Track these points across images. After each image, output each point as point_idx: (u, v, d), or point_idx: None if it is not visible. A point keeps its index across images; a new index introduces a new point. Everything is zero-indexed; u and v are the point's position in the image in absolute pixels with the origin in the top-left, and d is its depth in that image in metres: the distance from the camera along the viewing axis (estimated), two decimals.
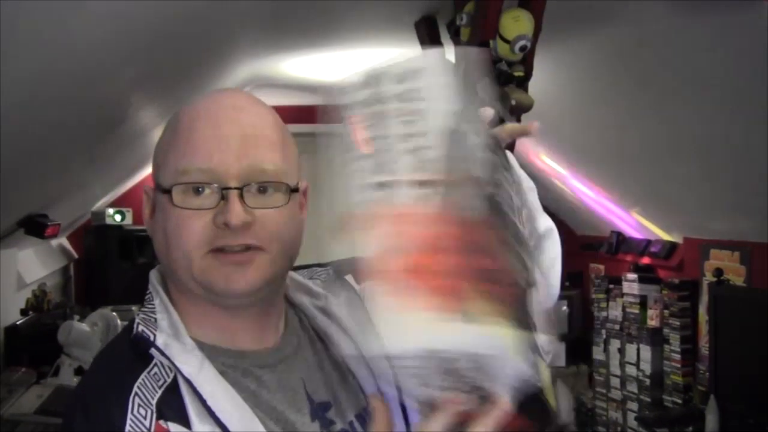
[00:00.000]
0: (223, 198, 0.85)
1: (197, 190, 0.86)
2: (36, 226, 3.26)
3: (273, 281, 0.89)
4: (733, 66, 2.43)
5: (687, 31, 2.41)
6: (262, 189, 0.87)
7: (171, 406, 0.82)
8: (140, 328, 0.86)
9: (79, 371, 3.18)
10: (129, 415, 0.80)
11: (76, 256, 4.79)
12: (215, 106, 0.89)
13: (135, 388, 0.82)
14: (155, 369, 0.85)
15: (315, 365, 0.96)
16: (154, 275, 0.95)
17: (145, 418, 0.80)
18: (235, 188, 0.85)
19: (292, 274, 1.04)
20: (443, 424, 0.72)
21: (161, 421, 0.81)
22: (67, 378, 3.17)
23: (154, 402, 0.82)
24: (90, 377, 0.90)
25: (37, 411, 2.86)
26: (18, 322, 3.52)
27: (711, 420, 3.11)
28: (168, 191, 0.87)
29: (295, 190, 0.91)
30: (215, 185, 0.85)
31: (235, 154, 0.86)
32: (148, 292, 0.93)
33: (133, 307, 3.25)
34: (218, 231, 0.85)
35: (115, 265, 4.58)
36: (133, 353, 0.86)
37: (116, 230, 4.63)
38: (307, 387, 0.93)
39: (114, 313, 3.50)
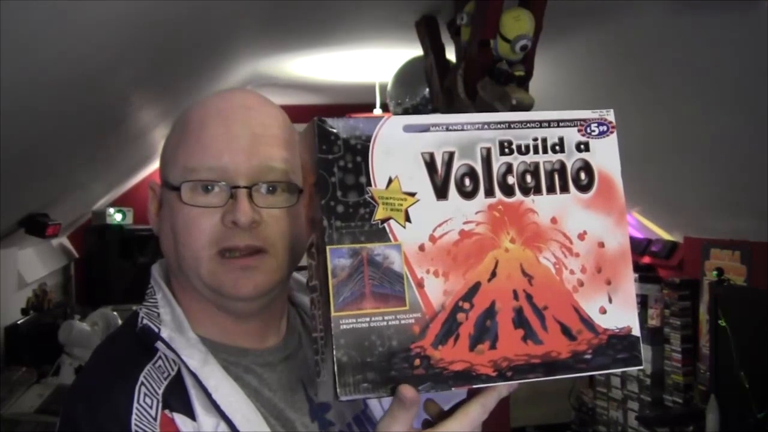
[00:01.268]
0: (232, 197, 0.85)
1: (206, 188, 0.86)
2: (37, 226, 3.26)
3: (279, 284, 0.89)
4: (733, 66, 2.43)
5: (687, 30, 2.41)
6: (272, 189, 0.87)
7: (176, 397, 0.82)
8: (145, 321, 0.87)
9: (79, 370, 3.19)
10: (135, 404, 0.80)
11: (76, 255, 4.79)
12: (226, 104, 0.89)
13: (141, 378, 0.82)
14: (159, 362, 0.85)
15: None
16: (156, 270, 0.95)
17: (151, 407, 0.81)
18: (244, 187, 0.85)
19: (294, 274, 1.04)
20: (407, 423, 0.72)
21: (167, 411, 0.81)
22: (68, 377, 3.18)
23: (160, 392, 0.82)
24: (91, 369, 0.89)
25: (38, 410, 2.87)
26: (19, 322, 3.52)
27: (711, 419, 3.11)
28: (177, 188, 0.87)
29: (303, 190, 0.91)
30: (224, 183, 0.85)
31: (245, 153, 0.86)
32: (149, 286, 0.93)
33: (134, 307, 3.24)
34: (226, 231, 0.85)
35: (116, 264, 4.59)
36: (136, 346, 0.86)
37: (117, 230, 4.64)
38: (307, 387, 0.93)
39: (115, 313, 3.52)
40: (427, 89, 3.12)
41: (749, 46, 2.26)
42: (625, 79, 2.98)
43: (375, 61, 3.74)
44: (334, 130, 0.72)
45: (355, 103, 4.74)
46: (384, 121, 0.73)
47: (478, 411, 0.74)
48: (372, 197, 0.72)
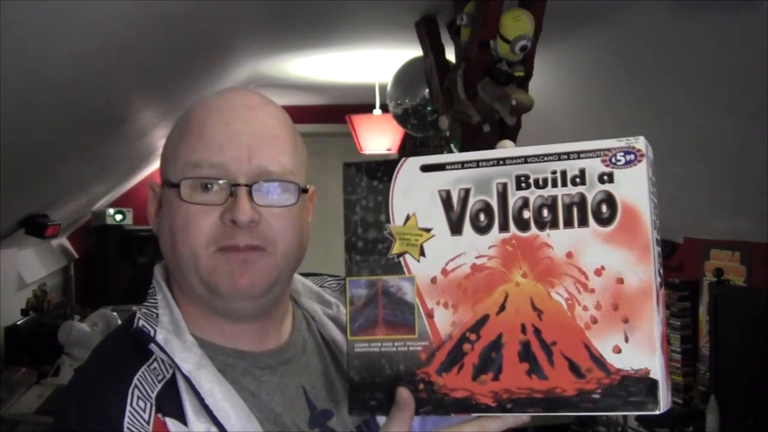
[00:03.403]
0: (232, 195, 0.84)
1: (206, 187, 0.85)
2: (36, 226, 3.26)
3: (277, 283, 0.89)
4: (733, 66, 2.43)
5: (686, 31, 2.41)
6: (272, 188, 0.86)
7: (169, 401, 0.81)
8: (141, 322, 0.86)
9: None
10: (128, 407, 0.79)
11: (76, 256, 4.79)
12: (227, 103, 0.89)
13: (135, 381, 0.81)
14: (155, 364, 0.84)
15: (320, 372, 0.95)
16: (158, 270, 0.94)
17: (144, 410, 0.80)
18: (245, 185, 0.84)
19: (304, 280, 1.04)
20: (404, 424, 0.73)
21: (159, 415, 0.80)
22: (68, 378, 3.17)
23: (153, 395, 0.81)
24: (87, 370, 0.88)
25: (38, 411, 2.87)
26: (18, 322, 3.52)
27: (711, 420, 3.10)
28: (176, 185, 0.86)
29: (304, 191, 0.91)
30: (224, 182, 0.85)
31: (245, 151, 0.85)
32: (151, 286, 0.93)
33: (134, 307, 3.24)
34: (225, 229, 0.84)
35: (116, 265, 4.58)
36: (132, 347, 0.85)
37: (116, 230, 4.64)
38: (309, 393, 0.92)
39: (114, 313, 3.51)
40: (427, 90, 3.12)
41: (749, 46, 2.26)
42: (625, 80, 2.98)
43: (375, 61, 3.75)
44: (359, 173, 0.79)
45: (355, 103, 4.74)
46: (403, 162, 0.79)
47: (473, 431, 0.75)
48: (390, 233, 0.78)
